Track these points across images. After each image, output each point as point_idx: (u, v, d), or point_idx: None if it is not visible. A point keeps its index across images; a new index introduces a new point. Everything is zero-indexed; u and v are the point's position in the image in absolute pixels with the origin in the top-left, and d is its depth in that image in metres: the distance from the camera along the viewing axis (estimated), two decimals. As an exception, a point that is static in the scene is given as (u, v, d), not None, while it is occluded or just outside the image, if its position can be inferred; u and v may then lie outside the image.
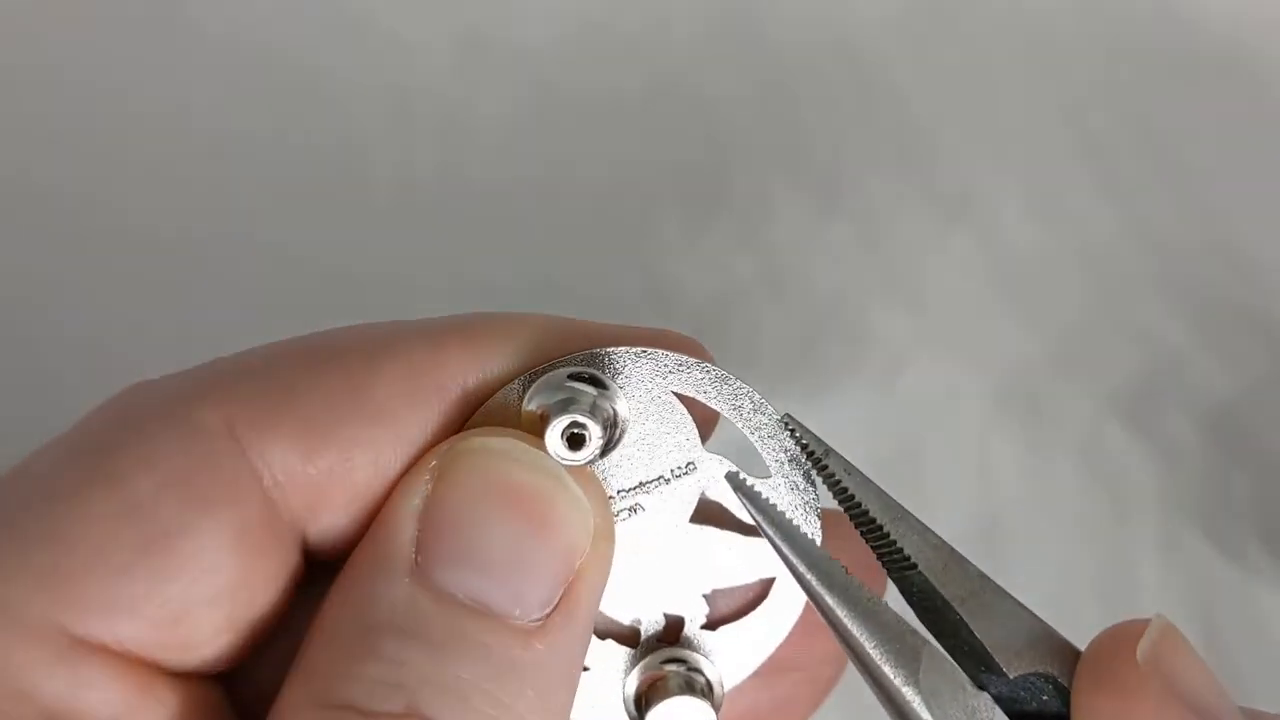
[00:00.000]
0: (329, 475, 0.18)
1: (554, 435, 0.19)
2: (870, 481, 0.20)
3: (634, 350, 0.20)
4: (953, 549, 0.20)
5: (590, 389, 0.20)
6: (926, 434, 0.36)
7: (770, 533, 0.19)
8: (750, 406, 0.21)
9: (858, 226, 0.39)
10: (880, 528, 0.20)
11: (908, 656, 0.18)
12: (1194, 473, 0.35)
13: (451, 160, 0.38)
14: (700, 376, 0.21)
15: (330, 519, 0.19)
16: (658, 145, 0.39)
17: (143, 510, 0.17)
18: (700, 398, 0.21)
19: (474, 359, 0.20)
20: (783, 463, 0.21)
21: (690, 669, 0.21)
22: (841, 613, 0.19)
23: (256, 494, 0.18)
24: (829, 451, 0.20)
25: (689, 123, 0.40)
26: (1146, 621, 0.18)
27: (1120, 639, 0.18)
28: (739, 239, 0.38)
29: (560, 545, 0.18)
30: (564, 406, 0.19)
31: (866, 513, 0.20)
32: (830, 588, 0.19)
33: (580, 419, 0.19)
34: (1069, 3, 0.42)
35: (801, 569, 0.19)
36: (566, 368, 0.20)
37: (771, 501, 0.20)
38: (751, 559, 0.22)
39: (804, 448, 0.21)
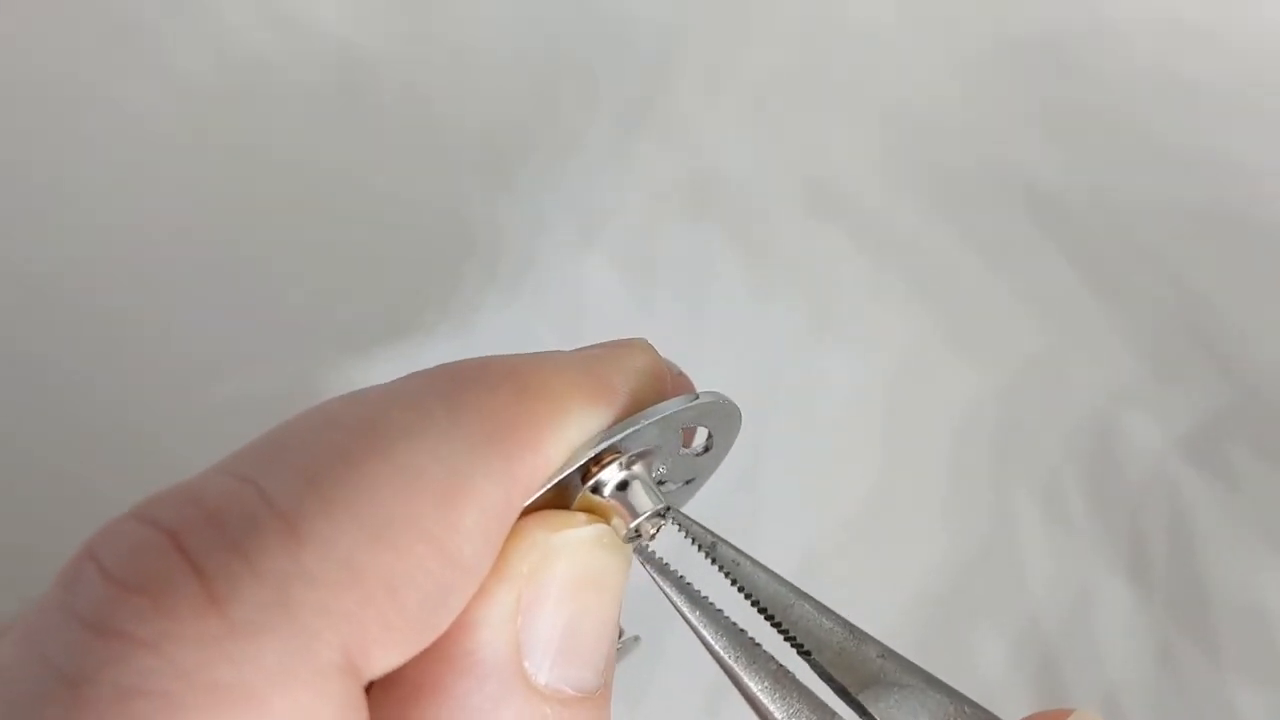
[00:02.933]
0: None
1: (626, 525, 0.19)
2: (761, 567, 0.19)
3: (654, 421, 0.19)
4: (852, 628, 0.19)
5: (646, 474, 0.20)
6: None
7: (673, 597, 0.18)
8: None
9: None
10: (773, 616, 0.19)
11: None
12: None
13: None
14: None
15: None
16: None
17: None
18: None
19: (533, 480, 0.18)
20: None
21: None
22: (748, 679, 0.17)
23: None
24: (715, 544, 0.20)
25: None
26: (1068, 712, 0.18)
27: None
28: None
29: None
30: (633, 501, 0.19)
31: (758, 602, 0.19)
32: (737, 656, 0.18)
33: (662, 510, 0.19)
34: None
35: (706, 636, 0.18)
36: (614, 455, 0.19)
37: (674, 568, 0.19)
38: None
39: (692, 540, 0.20)
